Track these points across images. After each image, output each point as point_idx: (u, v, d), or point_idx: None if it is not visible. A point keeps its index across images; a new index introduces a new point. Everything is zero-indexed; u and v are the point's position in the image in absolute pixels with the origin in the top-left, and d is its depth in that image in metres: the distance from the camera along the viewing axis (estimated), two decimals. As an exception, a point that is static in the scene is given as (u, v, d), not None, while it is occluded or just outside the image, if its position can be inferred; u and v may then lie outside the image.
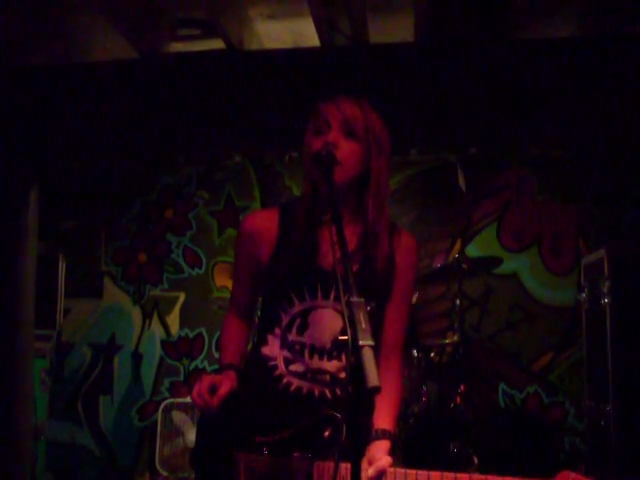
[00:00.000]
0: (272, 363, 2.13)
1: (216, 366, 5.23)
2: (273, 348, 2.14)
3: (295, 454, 1.95)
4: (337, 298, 2.07)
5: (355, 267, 2.02)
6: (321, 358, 2.08)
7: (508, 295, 5.30)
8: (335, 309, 2.08)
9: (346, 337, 1.57)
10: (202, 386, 1.99)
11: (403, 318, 2.22)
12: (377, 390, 1.48)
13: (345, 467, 1.77)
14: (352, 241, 2.07)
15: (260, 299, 2.29)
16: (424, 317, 5.21)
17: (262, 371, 2.14)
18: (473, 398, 4.42)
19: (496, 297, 5.29)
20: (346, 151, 2.05)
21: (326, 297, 2.09)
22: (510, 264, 5.25)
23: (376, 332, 1.95)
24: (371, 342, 1.54)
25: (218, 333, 5.24)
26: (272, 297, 2.17)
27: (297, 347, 2.10)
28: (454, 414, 4.19)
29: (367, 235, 2.10)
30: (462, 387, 4.28)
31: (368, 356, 1.52)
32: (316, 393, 2.08)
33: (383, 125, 2.16)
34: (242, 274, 2.28)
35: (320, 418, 1.96)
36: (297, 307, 2.10)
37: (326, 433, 1.93)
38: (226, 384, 2.02)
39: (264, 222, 2.20)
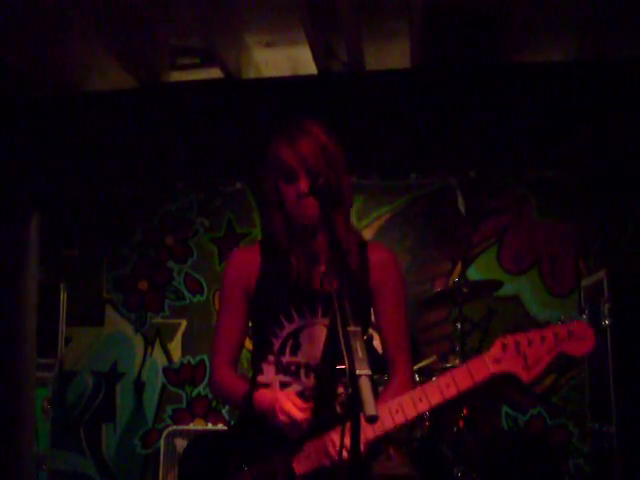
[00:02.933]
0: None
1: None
2: (268, 375, 2.17)
3: None
4: (325, 314, 2.13)
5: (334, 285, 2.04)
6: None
7: (509, 318, 5.29)
8: (325, 325, 2.13)
9: (344, 366, 1.59)
10: (296, 402, 2.01)
11: (400, 324, 2.23)
12: (374, 419, 1.50)
13: None
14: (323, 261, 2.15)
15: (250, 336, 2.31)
16: (426, 341, 5.21)
17: None
18: (476, 421, 4.40)
19: (497, 320, 5.28)
20: None
21: (314, 314, 2.14)
22: (511, 286, 5.25)
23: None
24: (368, 371, 1.56)
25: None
26: (261, 325, 2.21)
27: (292, 368, 2.14)
28: (457, 438, 4.17)
29: (336, 253, 2.12)
30: (465, 410, 4.26)
31: (365, 385, 1.54)
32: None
33: (338, 147, 2.18)
34: (230, 310, 2.28)
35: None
36: (287, 328, 2.15)
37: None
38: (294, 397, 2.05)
39: (247, 255, 2.28)
